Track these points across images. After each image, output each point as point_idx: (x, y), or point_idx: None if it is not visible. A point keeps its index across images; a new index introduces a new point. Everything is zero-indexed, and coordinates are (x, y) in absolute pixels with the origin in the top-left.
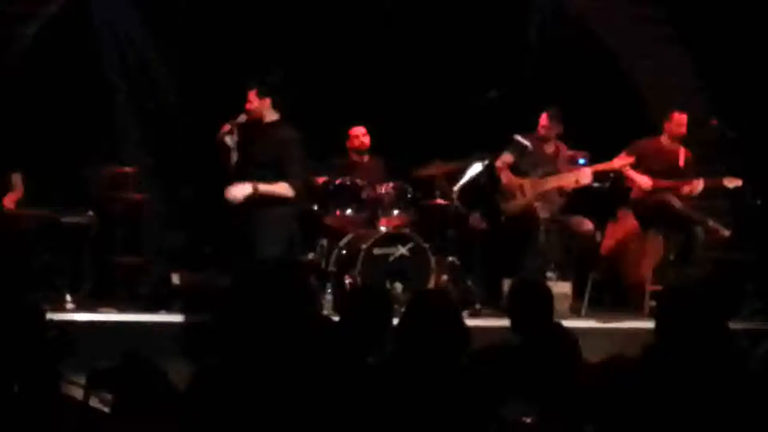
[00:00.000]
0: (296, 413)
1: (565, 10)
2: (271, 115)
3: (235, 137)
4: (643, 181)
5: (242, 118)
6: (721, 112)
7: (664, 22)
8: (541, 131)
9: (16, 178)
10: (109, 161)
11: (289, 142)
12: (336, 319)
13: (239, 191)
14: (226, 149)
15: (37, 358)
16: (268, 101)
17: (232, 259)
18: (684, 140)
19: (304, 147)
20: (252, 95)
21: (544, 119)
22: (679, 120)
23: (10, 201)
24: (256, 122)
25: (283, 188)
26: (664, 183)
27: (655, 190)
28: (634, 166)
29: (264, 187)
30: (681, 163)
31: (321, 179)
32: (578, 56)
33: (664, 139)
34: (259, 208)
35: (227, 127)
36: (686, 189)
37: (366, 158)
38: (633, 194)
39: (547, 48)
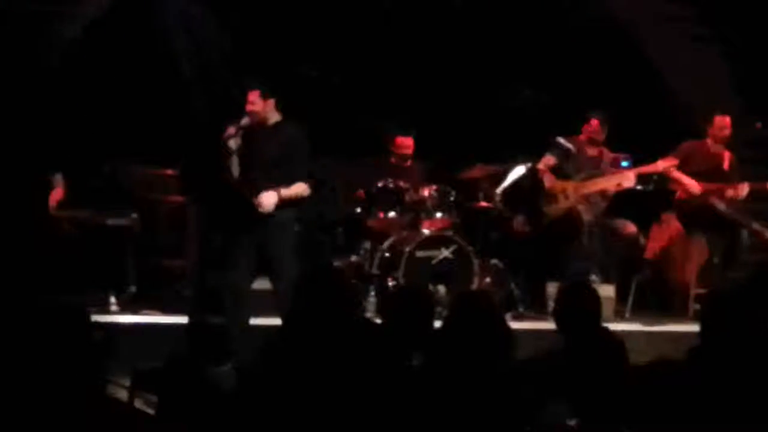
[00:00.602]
0: (340, 415)
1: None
2: (275, 116)
3: (238, 140)
4: (692, 183)
5: (246, 121)
6: (763, 113)
7: (701, 22)
8: (591, 136)
9: (57, 179)
10: (153, 162)
11: (299, 141)
12: (378, 321)
13: (270, 201)
14: (228, 153)
15: (82, 360)
16: (272, 102)
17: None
18: (729, 143)
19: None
20: (255, 97)
21: (594, 124)
22: (722, 123)
23: (51, 202)
24: (260, 124)
25: (301, 188)
26: (709, 186)
27: (699, 192)
28: (679, 169)
29: (286, 192)
30: (725, 166)
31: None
32: (618, 59)
33: (709, 142)
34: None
35: (233, 130)
36: (731, 192)
37: (408, 162)
38: (677, 197)
39: (588, 50)
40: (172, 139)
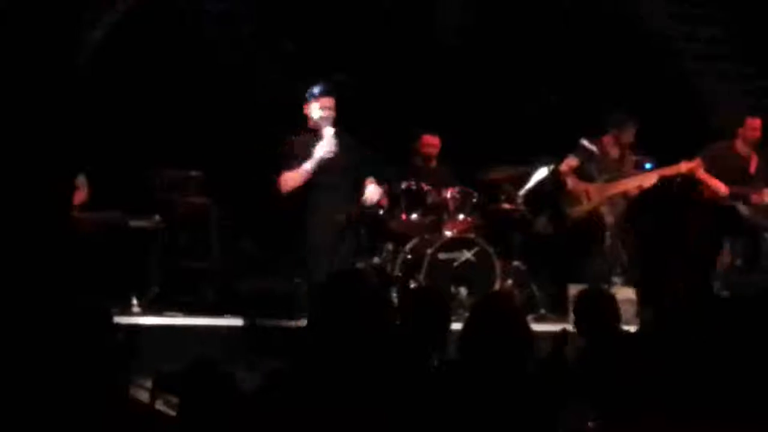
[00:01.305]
0: (360, 416)
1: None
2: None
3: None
4: (718, 184)
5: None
6: None
7: (729, 25)
8: (625, 140)
9: (81, 181)
10: (176, 164)
11: (359, 145)
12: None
13: (376, 194)
14: (298, 156)
15: (104, 361)
16: None
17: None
18: (758, 146)
19: None
20: (333, 103)
21: (631, 133)
22: (753, 125)
23: (74, 203)
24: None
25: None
26: (734, 189)
27: (726, 194)
28: (705, 171)
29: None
30: (752, 169)
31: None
32: (642, 60)
33: (738, 144)
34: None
35: (331, 148)
36: (756, 198)
37: (433, 163)
38: (699, 199)
39: (610, 51)
40: (196, 140)
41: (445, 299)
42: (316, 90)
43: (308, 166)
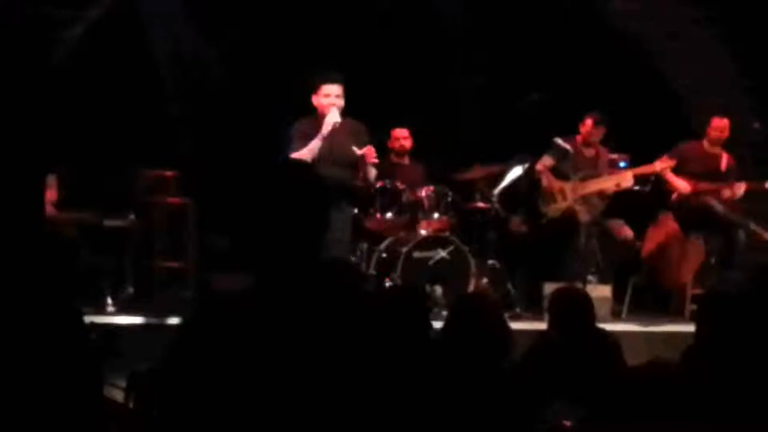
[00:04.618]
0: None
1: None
2: None
3: None
4: (682, 185)
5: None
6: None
7: (705, 21)
8: (586, 136)
9: (51, 180)
10: (151, 164)
11: (367, 132)
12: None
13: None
14: (305, 137)
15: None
16: None
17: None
18: (726, 143)
19: None
20: (339, 89)
21: (588, 124)
22: (719, 125)
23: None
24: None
25: None
26: (705, 186)
27: (696, 193)
28: (677, 170)
29: None
30: (723, 167)
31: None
32: (618, 59)
33: (705, 144)
34: None
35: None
36: (727, 193)
37: (406, 161)
38: (673, 198)
39: (587, 50)
40: (170, 139)
41: (423, 298)
42: (321, 77)
43: (313, 144)
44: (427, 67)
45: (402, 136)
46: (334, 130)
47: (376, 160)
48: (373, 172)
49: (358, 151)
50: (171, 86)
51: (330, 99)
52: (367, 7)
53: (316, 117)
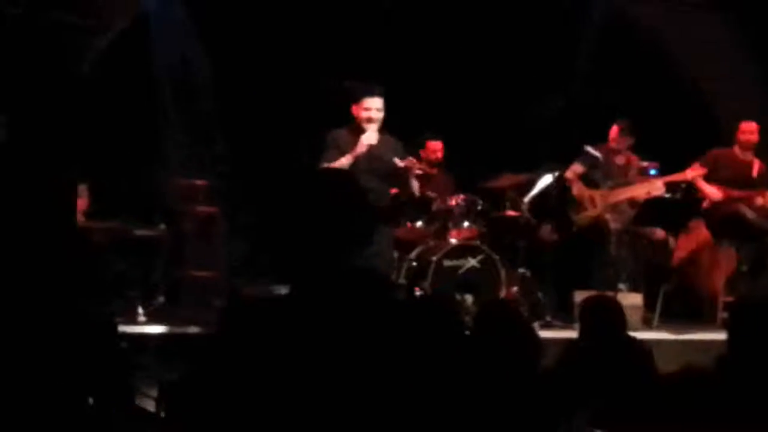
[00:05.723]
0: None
1: (634, 19)
2: None
3: None
4: (713, 192)
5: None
6: None
7: (733, 28)
8: (612, 143)
9: (82, 190)
10: (181, 173)
11: (403, 151)
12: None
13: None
14: (339, 149)
15: (110, 371)
16: None
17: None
18: (758, 150)
19: None
20: (379, 103)
21: (614, 132)
22: (748, 128)
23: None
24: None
25: None
26: (737, 193)
27: (727, 200)
28: (708, 177)
29: None
30: (754, 173)
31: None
32: (649, 66)
33: (737, 150)
34: None
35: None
36: (759, 200)
37: (436, 170)
38: (705, 205)
39: (617, 58)
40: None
41: (456, 307)
42: (364, 90)
43: (345, 160)
44: (458, 76)
45: (437, 149)
46: (370, 146)
47: (420, 171)
48: (416, 184)
49: (401, 163)
50: (202, 96)
51: (370, 113)
52: (397, 19)
53: (353, 128)
